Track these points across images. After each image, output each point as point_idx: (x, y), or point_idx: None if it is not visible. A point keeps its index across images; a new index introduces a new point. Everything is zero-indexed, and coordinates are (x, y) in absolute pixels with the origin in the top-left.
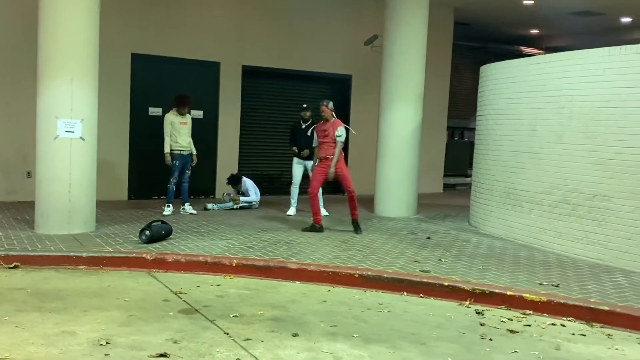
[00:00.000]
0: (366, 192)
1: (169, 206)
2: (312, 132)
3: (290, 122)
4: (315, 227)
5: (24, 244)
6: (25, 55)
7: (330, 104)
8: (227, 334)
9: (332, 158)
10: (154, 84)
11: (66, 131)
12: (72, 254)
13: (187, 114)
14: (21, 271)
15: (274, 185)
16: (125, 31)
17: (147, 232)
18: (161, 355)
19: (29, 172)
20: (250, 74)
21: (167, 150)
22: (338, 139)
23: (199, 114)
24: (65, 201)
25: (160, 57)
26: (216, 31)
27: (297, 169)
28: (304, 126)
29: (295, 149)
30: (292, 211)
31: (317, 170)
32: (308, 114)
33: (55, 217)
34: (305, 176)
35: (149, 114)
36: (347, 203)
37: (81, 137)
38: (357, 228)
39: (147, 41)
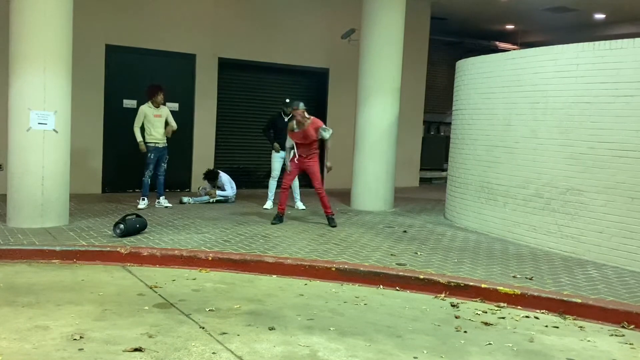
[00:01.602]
0: (343, 185)
1: (144, 199)
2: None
3: (267, 115)
4: (280, 217)
5: None
6: None
7: (302, 105)
8: (203, 328)
9: (311, 157)
10: (129, 76)
11: (39, 123)
12: (45, 247)
13: (163, 106)
14: None
15: (251, 179)
16: (99, 22)
17: (122, 226)
18: (136, 350)
19: (0, 165)
20: (227, 67)
21: (139, 139)
22: (325, 135)
23: (174, 106)
24: (38, 194)
25: (135, 48)
26: (192, 23)
27: (277, 162)
28: (286, 119)
29: (277, 145)
30: (269, 205)
31: (294, 165)
32: (290, 109)
33: (28, 210)
34: (284, 169)
35: (124, 106)
36: (316, 197)
37: (54, 130)
38: (331, 222)
39: (121, 32)
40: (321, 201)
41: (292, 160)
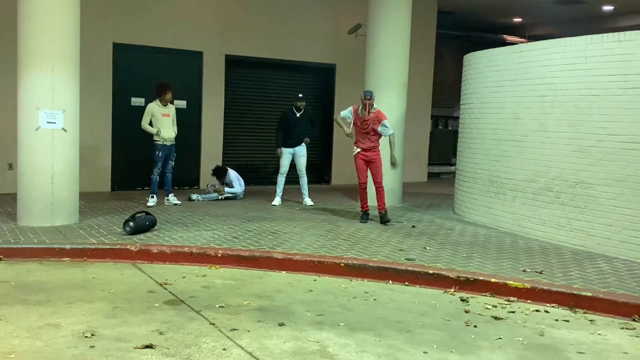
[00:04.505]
0: (351, 181)
1: (152, 197)
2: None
3: (275, 111)
4: (366, 214)
5: (7, 237)
6: (4, 44)
7: (373, 95)
8: (213, 324)
9: (373, 150)
10: (136, 74)
11: (48, 122)
12: (55, 246)
13: (171, 105)
14: (4, 264)
15: (259, 175)
16: (106, 20)
17: (131, 224)
18: (147, 347)
19: (10, 164)
20: (234, 64)
21: (154, 131)
22: (383, 131)
23: (182, 104)
24: (48, 193)
25: (143, 46)
26: (199, 20)
27: (286, 158)
28: (298, 115)
29: (280, 150)
30: (277, 201)
31: (360, 162)
32: (303, 103)
33: (38, 209)
34: (293, 166)
35: (132, 104)
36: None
37: (63, 128)
38: (383, 218)
39: (129, 30)
40: (378, 195)
41: (356, 157)
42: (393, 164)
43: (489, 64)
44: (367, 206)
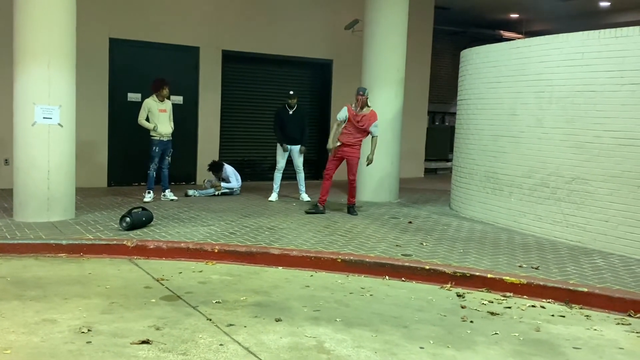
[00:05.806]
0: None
1: (149, 193)
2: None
3: (272, 107)
4: (318, 208)
5: (3, 232)
6: (0, 39)
7: (367, 92)
8: (210, 320)
9: (354, 145)
10: (133, 69)
11: (44, 117)
12: (52, 241)
13: (167, 100)
14: (0, 259)
15: (256, 171)
16: (103, 15)
17: (128, 219)
18: (143, 342)
19: (6, 160)
20: (230, 59)
21: (151, 126)
22: (374, 130)
23: (178, 99)
24: (44, 188)
25: (139, 41)
26: (195, 15)
27: (282, 154)
28: (290, 112)
29: (286, 146)
30: (274, 197)
31: (336, 155)
32: (295, 100)
33: (34, 204)
34: (289, 162)
35: (128, 99)
36: (328, 189)
37: (59, 124)
38: (351, 211)
39: (125, 26)
40: (350, 189)
41: (334, 150)
42: (370, 161)
43: (485, 60)
44: (325, 200)
